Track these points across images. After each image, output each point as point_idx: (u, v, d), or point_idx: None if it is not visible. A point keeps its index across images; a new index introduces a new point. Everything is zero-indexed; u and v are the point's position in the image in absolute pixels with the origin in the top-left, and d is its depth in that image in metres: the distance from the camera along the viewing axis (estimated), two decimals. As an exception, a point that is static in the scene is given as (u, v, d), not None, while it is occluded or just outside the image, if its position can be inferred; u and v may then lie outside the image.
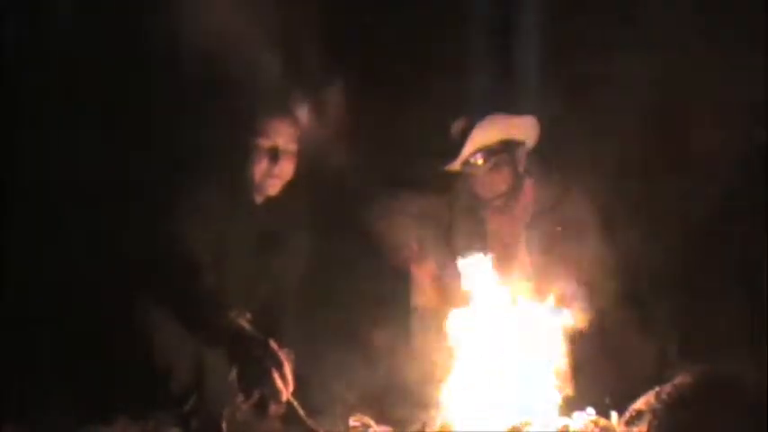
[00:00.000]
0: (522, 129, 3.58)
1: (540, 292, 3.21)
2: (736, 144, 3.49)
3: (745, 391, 2.70)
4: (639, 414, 2.78)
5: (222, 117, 3.28)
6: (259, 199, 3.34)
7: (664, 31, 3.66)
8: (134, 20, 3.61)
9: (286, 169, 3.29)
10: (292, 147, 3.29)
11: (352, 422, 2.92)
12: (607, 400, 2.89)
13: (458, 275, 3.15)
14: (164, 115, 3.56)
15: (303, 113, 3.36)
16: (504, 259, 3.62)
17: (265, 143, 3.25)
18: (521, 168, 3.60)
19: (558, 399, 2.95)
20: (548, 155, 3.64)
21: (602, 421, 2.83)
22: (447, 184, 3.66)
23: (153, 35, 3.51)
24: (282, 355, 2.89)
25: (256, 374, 2.87)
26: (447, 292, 3.50)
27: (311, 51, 3.53)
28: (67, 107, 3.70)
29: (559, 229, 3.49)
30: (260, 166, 3.25)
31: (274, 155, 3.25)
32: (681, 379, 2.79)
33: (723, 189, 3.42)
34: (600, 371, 3.12)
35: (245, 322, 2.96)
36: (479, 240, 3.67)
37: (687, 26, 3.62)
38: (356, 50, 3.87)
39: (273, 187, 3.31)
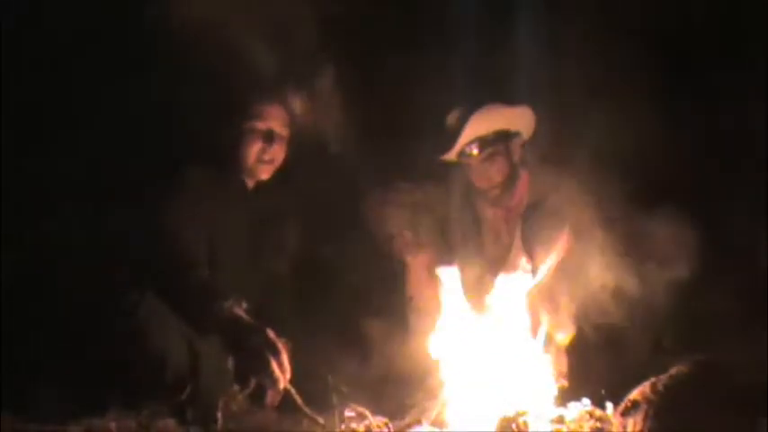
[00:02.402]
0: (518, 119, 3.59)
1: (536, 283, 3.22)
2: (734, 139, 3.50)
3: (741, 382, 2.70)
4: (635, 404, 2.78)
5: (218, 99, 3.27)
6: (251, 183, 3.34)
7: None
8: (130, 3, 3.58)
9: (278, 154, 3.31)
10: (285, 132, 3.31)
11: (348, 412, 2.92)
12: (602, 391, 2.89)
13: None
14: (159, 99, 3.54)
15: (296, 100, 3.36)
16: (498, 250, 3.63)
17: (261, 126, 3.26)
18: (516, 159, 3.60)
19: (553, 389, 2.96)
20: (543, 145, 3.64)
21: (598, 412, 2.84)
22: (442, 175, 3.65)
23: (148, 18, 3.48)
24: (280, 343, 2.89)
25: (254, 363, 2.87)
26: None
27: (306, 37, 3.51)
28: (60, 95, 3.67)
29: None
30: (254, 149, 3.25)
31: (269, 138, 3.26)
32: (677, 369, 2.79)
33: (721, 179, 3.43)
34: (595, 361, 3.13)
35: (240, 311, 2.96)
36: (474, 231, 3.67)
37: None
38: (351, 37, 3.85)
39: (265, 172, 3.31)
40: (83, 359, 3.10)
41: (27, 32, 3.67)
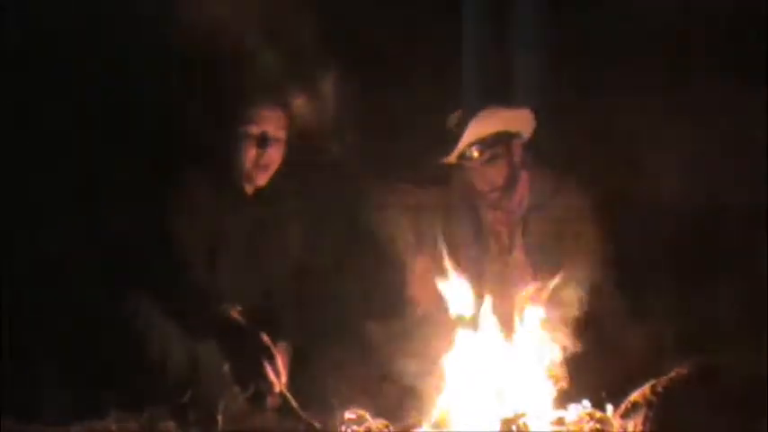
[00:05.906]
0: (518, 121, 3.58)
1: (536, 284, 3.22)
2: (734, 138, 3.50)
3: (741, 383, 2.71)
4: (635, 406, 2.78)
5: (211, 104, 3.27)
6: (249, 189, 3.34)
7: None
8: (124, 5, 3.58)
9: (274, 157, 3.29)
10: (281, 134, 3.29)
11: (348, 415, 2.92)
12: (603, 393, 2.89)
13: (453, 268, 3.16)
14: (153, 104, 3.54)
15: (293, 101, 3.35)
16: (499, 252, 3.63)
17: (254, 130, 3.25)
18: (517, 161, 3.60)
19: (553, 391, 2.96)
20: (543, 147, 3.65)
21: (598, 414, 2.84)
22: (443, 177, 3.65)
23: (142, 20, 3.48)
24: (278, 348, 2.90)
25: (248, 367, 2.88)
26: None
27: (304, 38, 3.52)
28: (56, 97, 3.67)
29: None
30: (249, 154, 3.24)
31: (263, 142, 3.25)
32: (677, 371, 2.79)
33: (721, 181, 3.43)
34: (595, 363, 3.13)
35: (236, 315, 2.97)
36: (475, 233, 3.67)
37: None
38: (351, 38, 3.85)
39: (263, 176, 3.30)
40: (84, 361, 3.11)
41: (16, 32, 3.66)
